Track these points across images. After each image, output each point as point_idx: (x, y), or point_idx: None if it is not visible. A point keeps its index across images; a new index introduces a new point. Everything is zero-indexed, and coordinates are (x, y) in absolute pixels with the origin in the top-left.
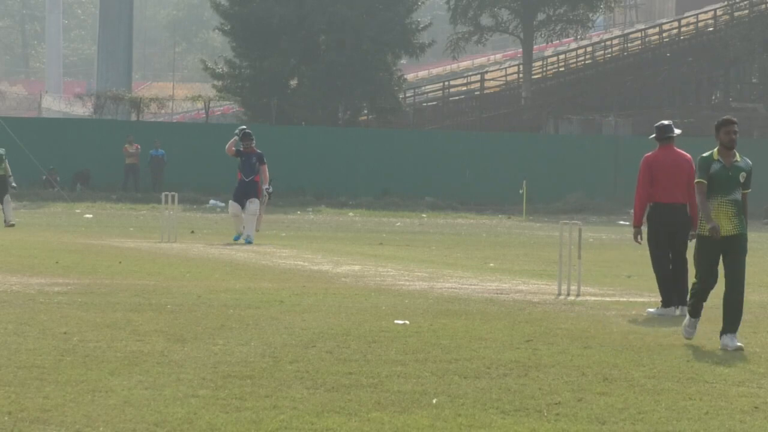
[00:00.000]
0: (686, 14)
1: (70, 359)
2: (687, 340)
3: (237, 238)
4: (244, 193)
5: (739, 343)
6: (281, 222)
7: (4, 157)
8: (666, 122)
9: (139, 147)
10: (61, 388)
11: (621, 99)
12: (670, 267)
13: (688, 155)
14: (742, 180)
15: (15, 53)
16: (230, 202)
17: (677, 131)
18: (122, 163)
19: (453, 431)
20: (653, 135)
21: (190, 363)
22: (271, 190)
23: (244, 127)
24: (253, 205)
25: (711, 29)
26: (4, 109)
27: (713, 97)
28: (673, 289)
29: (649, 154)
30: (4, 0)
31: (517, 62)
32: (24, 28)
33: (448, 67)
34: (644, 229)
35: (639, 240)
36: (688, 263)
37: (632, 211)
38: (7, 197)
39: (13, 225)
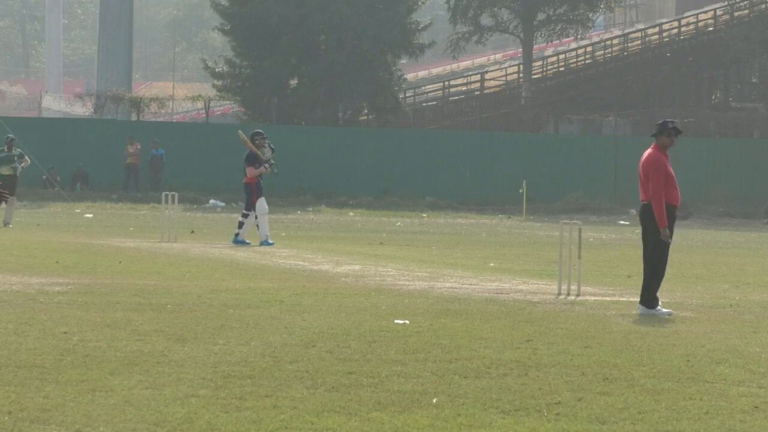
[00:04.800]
0: (686, 14)
1: (70, 359)
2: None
3: (270, 243)
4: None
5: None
6: (281, 222)
7: (16, 157)
8: (661, 120)
9: (139, 146)
10: (61, 387)
11: (621, 99)
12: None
13: (650, 153)
14: None
15: (15, 53)
16: (262, 199)
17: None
18: (122, 162)
19: (453, 431)
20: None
21: (190, 363)
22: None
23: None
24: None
25: (711, 29)
26: (4, 109)
27: (713, 97)
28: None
29: None
30: (4, 0)
31: (517, 62)
32: (24, 28)
33: (448, 67)
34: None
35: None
36: (653, 266)
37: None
38: (13, 199)
39: (9, 226)
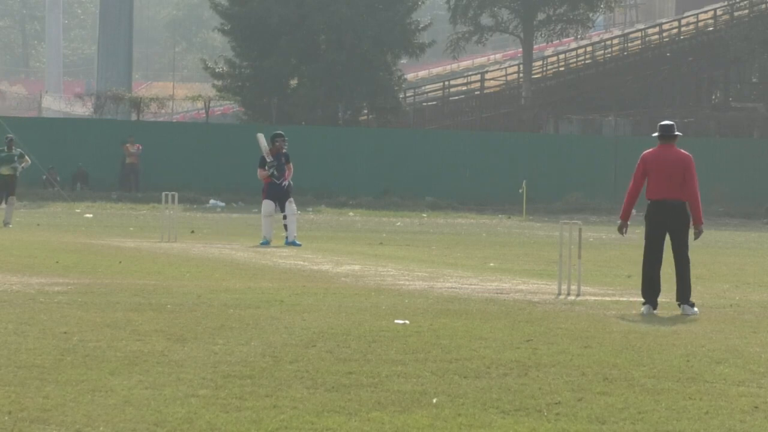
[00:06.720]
0: (686, 14)
1: (70, 359)
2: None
3: (265, 243)
4: (279, 195)
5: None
6: (281, 222)
7: (17, 157)
8: (668, 122)
9: (140, 147)
10: (61, 387)
11: (621, 99)
12: (659, 266)
13: (686, 154)
14: None
15: (15, 53)
16: (266, 201)
17: (678, 134)
18: (122, 162)
19: (453, 431)
20: (656, 133)
21: (190, 363)
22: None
23: (262, 135)
24: (293, 205)
25: (711, 29)
26: (4, 109)
27: (713, 97)
28: (655, 288)
29: (647, 151)
30: (4, 0)
31: (517, 62)
32: (24, 27)
33: (448, 67)
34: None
35: (623, 232)
36: (689, 262)
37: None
38: (13, 199)
39: (9, 226)
